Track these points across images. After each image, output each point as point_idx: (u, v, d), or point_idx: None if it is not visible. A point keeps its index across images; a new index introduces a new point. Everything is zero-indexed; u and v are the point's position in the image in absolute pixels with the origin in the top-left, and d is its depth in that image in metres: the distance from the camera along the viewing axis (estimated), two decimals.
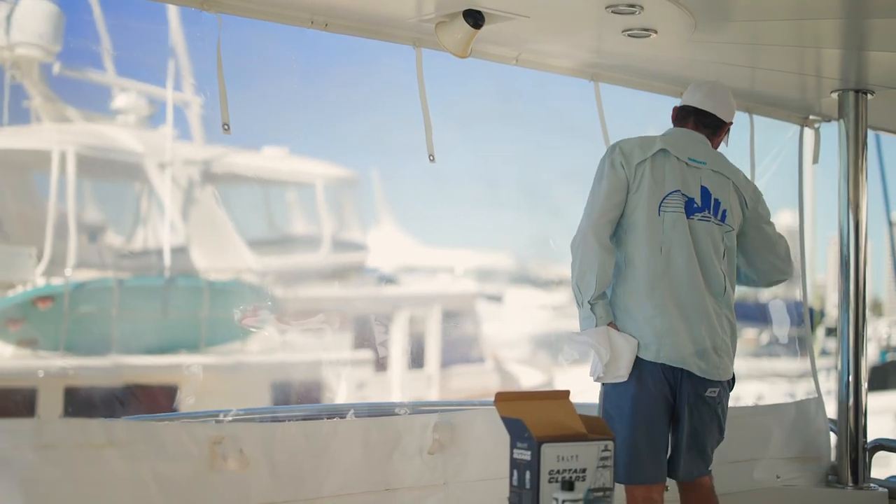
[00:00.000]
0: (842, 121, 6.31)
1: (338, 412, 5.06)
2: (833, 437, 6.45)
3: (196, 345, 18.34)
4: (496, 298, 28.05)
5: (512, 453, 3.85)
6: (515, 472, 3.83)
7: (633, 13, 4.80)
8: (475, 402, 5.86)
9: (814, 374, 6.79)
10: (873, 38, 5.27)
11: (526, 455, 3.79)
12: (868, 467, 6.32)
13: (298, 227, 23.10)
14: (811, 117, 6.84)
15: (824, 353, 26.90)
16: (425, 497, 5.02)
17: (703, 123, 5.22)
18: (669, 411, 4.96)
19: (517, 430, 3.83)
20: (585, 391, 5.33)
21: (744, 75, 6.05)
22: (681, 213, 4.96)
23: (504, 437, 3.92)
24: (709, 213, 5.02)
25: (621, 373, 4.87)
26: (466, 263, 27.87)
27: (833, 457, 6.44)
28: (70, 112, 19.42)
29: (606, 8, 4.74)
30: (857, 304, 6.27)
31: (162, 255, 19.08)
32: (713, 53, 5.60)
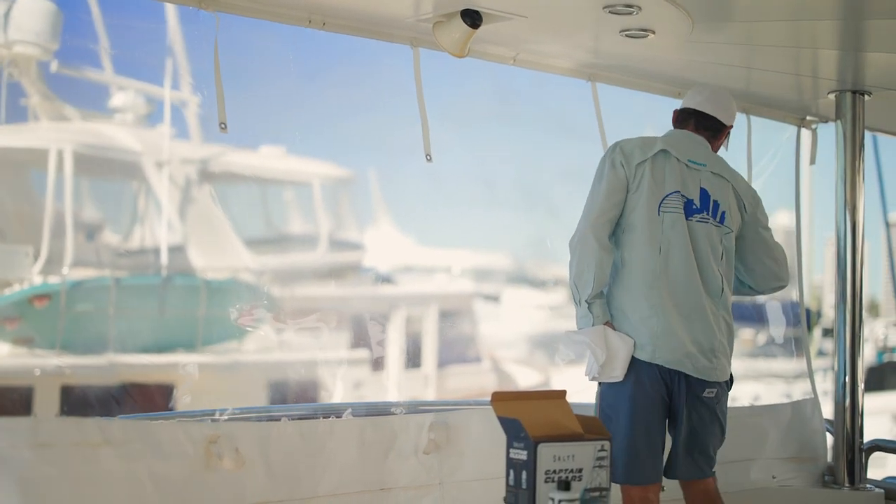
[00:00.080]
0: (839, 122, 6.31)
1: (334, 411, 5.06)
2: (829, 438, 6.45)
3: (193, 344, 18.34)
4: (493, 298, 28.07)
5: (508, 453, 3.85)
6: (512, 472, 3.83)
7: (630, 13, 4.80)
8: (470, 401, 5.86)
9: (810, 374, 6.79)
10: (870, 39, 5.27)
11: (522, 455, 3.79)
12: (864, 468, 6.32)
13: (295, 226, 23.10)
14: (808, 118, 6.85)
15: (821, 353, 26.93)
16: (421, 497, 5.02)
17: (704, 126, 5.23)
18: (666, 412, 4.96)
19: (514, 430, 3.83)
20: (582, 391, 5.33)
21: (741, 76, 6.06)
22: (680, 214, 4.97)
23: (500, 436, 3.92)
24: (707, 214, 5.03)
25: (616, 373, 4.87)
26: (464, 263, 27.90)
27: (829, 457, 6.45)
28: (68, 110, 19.41)
29: (604, 8, 4.74)
30: (853, 305, 6.28)
31: (159, 254, 19.08)
32: (711, 54, 5.60)
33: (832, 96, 6.26)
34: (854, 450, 6.26)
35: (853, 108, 6.24)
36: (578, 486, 3.77)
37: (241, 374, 18.42)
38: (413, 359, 22.00)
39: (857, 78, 6.00)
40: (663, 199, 4.96)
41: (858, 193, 6.33)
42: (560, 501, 3.63)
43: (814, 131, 6.89)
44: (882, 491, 6.22)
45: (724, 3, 4.90)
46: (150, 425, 4.36)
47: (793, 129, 6.88)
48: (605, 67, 6.00)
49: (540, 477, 3.75)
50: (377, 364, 20.80)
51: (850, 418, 6.26)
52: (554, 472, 3.77)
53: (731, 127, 5.35)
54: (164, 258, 18.95)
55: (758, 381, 24.19)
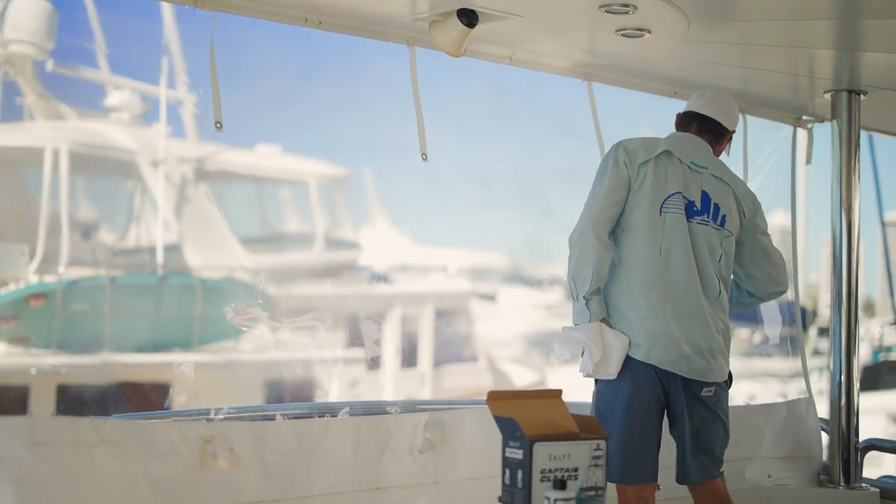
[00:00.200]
0: (835, 121, 6.31)
1: (330, 411, 5.07)
2: (825, 437, 6.45)
3: (189, 343, 18.33)
4: (489, 297, 28.06)
5: (504, 452, 3.85)
6: (507, 471, 3.83)
7: (626, 13, 4.80)
8: (465, 400, 5.86)
9: (805, 373, 6.80)
10: (866, 38, 5.28)
11: (518, 454, 3.79)
12: (860, 467, 6.32)
13: (291, 225, 23.10)
14: (804, 118, 6.85)
15: (817, 353, 26.95)
16: (415, 496, 5.03)
17: (706, 129, 5.25)
18: (662, 412, 4.97)
19: (509, 429, 3.83)
20: (578, 390, 5.33)
21: (737, 75, 6.06)
22: (681, 215, 4.98)
23: (495, 436, 3.92)
24: (708, 216, 5.04)
25: (611, 370, 4.88)
26: (460, 262, 27.89)
27: (825, 456, 6.45)
28: (63, 109, 19.39)
29: (600, 7, 4.74)
30: (849, 305, 6.28)
31: (155, 253, 19.07)
32: (707, 54, 5.60)
33: (828, 96, 6.26)
34: (850, 449, 6.26)
35: (849, 107, 6.24)
36: (574, 486, 3.77)
37: (237, 374, 18.42)
38: (409, 358, 21.99)
39: (853, 78, 6.01)
40: (665, 200, 4.97)
41: (854, 193, 6.33)
42: (556, 500, 3.63)
43: (810, 131, 6.90)
44: (877, 490, 6.22)
45: (721, 3, 4.90)
46: (145, 425, 4.36)
47: (789, 128, 6.88)
48: (601, 67, 6.00)
49: (536, 476, 3.75)
50: (373, 363, 20.80)
51: (845, 417, 6.27)
52: (550, 471, 3.77)
53: (734, 131, 5.38)
54: (159, 257, 18.94)
55: (753, 381, 24.21)
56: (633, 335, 4.89)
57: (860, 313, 6.43)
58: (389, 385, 21.40)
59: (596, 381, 5.02)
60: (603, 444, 3.89)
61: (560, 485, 3.68)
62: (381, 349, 21.29)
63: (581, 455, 3.84)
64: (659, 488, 4.97)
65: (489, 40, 5.43)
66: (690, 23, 4.92)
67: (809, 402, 6.56)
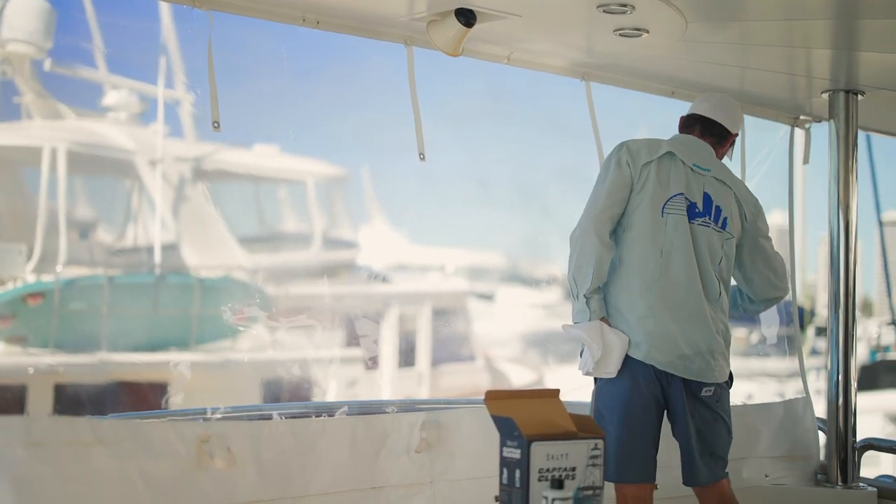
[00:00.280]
0: (832, 121, 6.31)
1: (327, 410, 5.07)
2: (822, 437, 6.45)
3: (186, 342, 18.33)
4: (487, 297, 28.07)
5: (502, 452, 3.85)
6: (505, 471, 3.83)
7: (624, 13, 4.80)
8: (462, 400, 5.86)
9: (802, 373, 6.80)
10: (863, 38, 5.28)
11: (516, 453, 3.79)
12: (857, 466, 6.33)
13: (289, 224, 23.11)
14: (802, 117, 6.85)
15: (814, 352, 26.96)
16: (412, 495, 5.03)
17: (710, 132, 5.26)
18: (661, 413, 4.98)
19: (507, 429, 3.83)
20: (576, 390, 5.34)
21: (734, 75, 6.06)
22: (683, 216, 4.98)
23: (491, 435, 3.92)
24: (709, 218, 5.05)
25: (611, 369, 4.88)
26: (457, 262, 27.90)
27: (822, 456, 6.45)
28: (61, 109, 19.40)
29: (598, 7, 4.75)
30: (846, 304, 6.28)
31: (152, 252, 19.07)
32: (704, 53, 5.60)
33: (825, 96, 6.26)
34: (847, 448, 6.27)
35: (846, 107, 6.24)
36: (572, 485, 3.77)
37: (235, 373, 18.41)
38: (407, 357, 21.99)
39: (851, 77, 6.01)
40: (667, 201, 4.98)
41: (852, 193, 6.33)
42: (553, 500, 3.63)
43: (807, 131, 6.90)
44: (875, 490, 6.22)
45: (718, 3, 4.90)
46: (141, 425, 4.35)
47: (786, 128, 6.88)
48: (598, 66, 6.00)
49: (533, 475, 3.75)
50: (371, 363, 20.79)
51: (843, 417, 6.27)
52: (547, 470, 3.77)
53: (737, 135, 5.39)
54: (157, 257, 18.95)
55: (751, 381, 24.22)
56: (632, 335, 4.89)
57: (858, 313, 6.43)
58: (387, 384, 21.40)
59: (595, 380, 5.03)
60: (600, 443, 3.89)
61: (558, 484, 3.68)
62: (378, 349, 21.29)
63: (579, 454, 3.84)
64: (657, 488, 4.97)
65: (487, 40, 5.43)
66: (688, 23, 4.93)
67: (807, 401, 6.56)
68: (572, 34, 5.45)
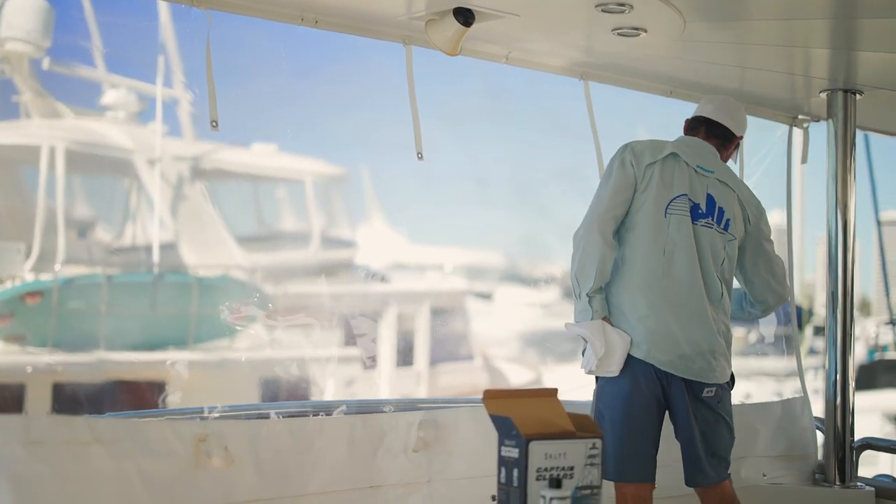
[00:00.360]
0: (830, 121, 6.31)
1: (325, 409, 5.07)
2: (820, 436, 6.45)
3: (184, 341, 18.32)
4: (486, 296, 28.06)
5: (500, 451, 3.85)
6: (503, 470, 3.83)
7: (622, 12, 4.80)
8: (460, 399, 5.86)
9: (800, 372, 6.80)
10: (862, 38, 5.28)
11: (514, 452, 3.79)
12: (855, 466, 6.33)
13: (288, 223, 23.10)
14: (800, 117, 6.85)
15: (812, 352, 26.96)
16: (409, 494, 5.03)
17: (714, 134, 5.29)
18: (662, 413, 4.99)
19: (505, 428, 3.83)
20: (574, 389, 5.34)
21: (733, 75, 6.06)
22: (686, 217, 5.00)
23: (488, 435, 3.92)
24: (712, 220, 5.07)
25: (613, 367, 4.90)
26: (456, 261, 27.88)
27: (820, 455, 6.45)
28: (60, 108, 19.39)
29: (596, 7, 4.74)
30: (844, 304, 6.28)
31: (151, 252, 19.06)
32: (703, 53, 5.61)
33: (824, 95, 6.26)
34: (845, 448, 6.27)
35: (845, 107, 6.24)
36: (570, 484, 3.77)
37: (233, 372, 18.41)
38: (405, 356, 21.99)
39: (849, 77, 6.01)
40: (671, 202, 5.00)
41: (850, 192, 6.33)
42: (551, 499, 3.63)
43: (805, 130, 6.90)
44: (872, 489, 6.23)
45: (717, 3, 4.90)
46: (139, 424, 4.35)
47: (784, 127, 6.88)
48: (597, 66, 6.00)
49: (531, 475, 3.75)
50: (369, 362, 20.79)
51: (840, 416, 6.27)
52: (545, 469, 3.77)
53: (741, 137, 5.42)
54: (155, 256, 18.94)
55: (749, 380, 24.22)
56: (633, 334, 4.91)
57: (856, 312, 6.43)
58: (385, 384, 21.39)
59: (597, 379, 5.04)
60: (598, 442, 3.90)
61: (556, 483, 3.69)
62: (377, 348, 21.28)
63: (577, 454, 3.84)
64: (654, 487, 4.98)
65: (485, 39, 5.43)
66: (686, 22, 4.93)
67: (804, 401, 6.57)
68: (571, 33, 5.45)
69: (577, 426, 3.96)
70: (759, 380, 24.37)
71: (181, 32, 19.86)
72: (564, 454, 3.81)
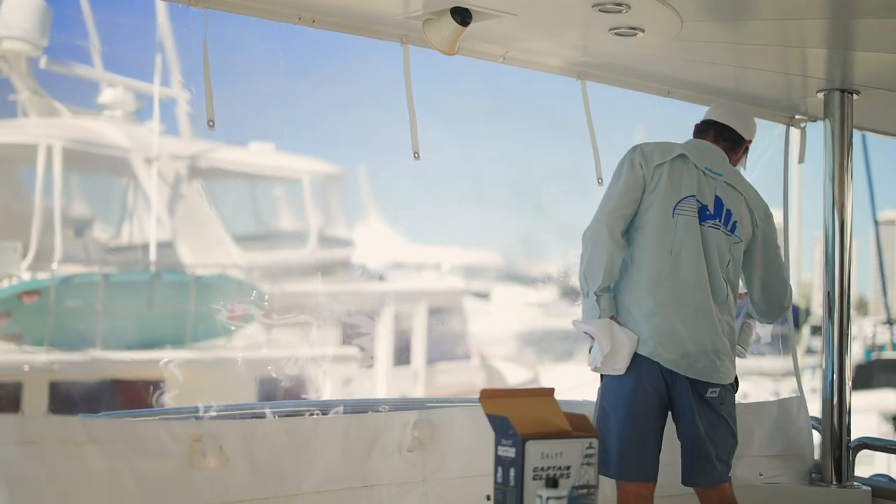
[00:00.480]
0: (827, 120, 6.31)
1: (320, 408, 5.07)
2: (816, 436, 6.45)
3: (182, 340, 18.33)
4: (483, 295, 28.08)
5: (497, 450, 3.85)
6: (500, 469, 3.83)
7: (619, 12, 4.80)
8: (456, 399, 5.86)
9: (796, 372, 6.80)
10: (859, 38, 5.28)
11: (510, 452, 3.79)
12: (852, 465, 6.33)
13: (285, 222, 23.13)
14: (797, 117, 6.85)
15: (810, 351, 27.00)
16: (404, 494, 5.03)
17: (723, 137, 5.34)
18: (665, 412, 5.01)
19: (502, 427, 3.83)
20: (571, 389, 5.35)
21: (730, 75, 6.06)
22: (694, 218, 5.03)
23: (483, 434, 3.92)
24: (719, 221, 5.10)
25: (619, 366, 4.92)
26: (453, 260, 27.91)
27: (817, 455, 6.45)
28: (57, 106, 19.40)
29: (593, 6, 4.74)
30: (841, 303, 6.28)
31: (148, 250, 19.07)
32: (700, 53, 5.61)
33: (821, 95, 6.26)
34: (842, 447, 6.27)
35: (842, 106, 6.24)
36: (566, 484, 3.77)
37: (230, 371, 18.40)
38: (402, 356, 22.00)
39: (846, 77, 6.01)
40: (679, 202, 5.03)
41: (847, 192, 6.33)
42: (548, 499, 3.63)
43: (802, 130, 6.90)
44: (869, 489, 6.23)
45: (714, 3, 4.90)
46: (133, 424, 4.35)
47: (781, 127, 6.88)
48: (594, 65, 6.00)
49: (528, 474, 3.75)
50: (366, 361, 20.80)
51: (837, 416, 6.27)
52: (542, 469, 3.77)
53: (750, 141, 5.46)
54: (152, 254, 18.95)
55: (745, 380, 24.21)
56: (639, 332, 4.94)
57: (853, 312, 6.44)
58: (382, 383, 21.40)
59: (601, 377, 5.06)
60: (595, 442, 3.90)
61: (552, 483, 3.69)
62: (374, 347, 21.29)
63: (573, 453, 3.84)
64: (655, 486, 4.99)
65: (483, 38, 5.43)
66: (683, 22, 4.93)
67: (801, 400, 6.57)
68: (568, 33, 5.45)
69: (574, 426, 3.96)
70: (755, 379, 24.37)
71: (178, 31, 19.89)
72: (561, 454, 3.81)
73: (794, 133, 6.89)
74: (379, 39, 5.33)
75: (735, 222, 5.13)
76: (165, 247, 19.36)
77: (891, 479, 6.49)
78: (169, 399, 15.78)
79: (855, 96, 6.21)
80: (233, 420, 4.70)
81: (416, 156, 5.47)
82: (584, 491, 3.84)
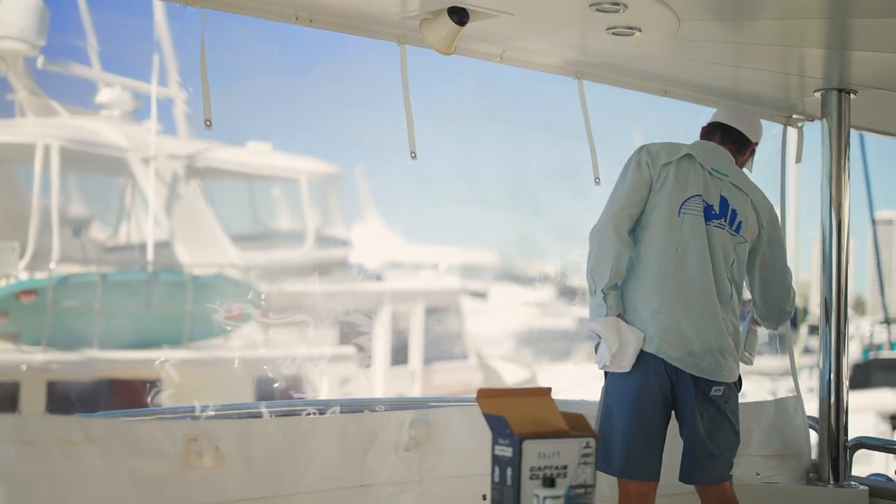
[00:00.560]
0: (825, 120, 6.31)
1: (316, 407, 5.07)
2: (814, 435, 6.45)
3: (179, 340, 18.33)
4: (480, 295, 28.09)
5: (494, 450, 3.85)
6: (497, 469, 3.83)
7: (617, 11, 4.80)
8: (452, 398, 5.86)
9: (793, 372, 6.80)
10: (856, 37, 5.28)
11: (507, 451, 3.79)
12: (849, 465, 6.33)
13: (282, 222, 23.12)
14: (794, 116, 6.85)
15: (807, 351, 27.02)
16: (400, 493, 5.03)
17: (729, 139, 5.37)
18: (669, 410, 5.02)
19: (499, 427, 3.83)
20: (568, 388, 5.35)
21: (727, 74, 6.06)
22: (700, 217, 5.06)
23: (479, 434, 3.93)
24: (724, 221, 5.13)
25: (626, 363, 4.94)
26: (450, 260, 27.92)
27: (814, 454, 6.45)
28: (54, 106, 19.40)
29: (591, 6, 4.74)
30: (838, 303, 6.28)
31: (145, 250, 19.06)
32: (697, 52, 5.61)
33: (818, 95, 6.26)
34: (839, 447, 6.27)
35: (839, 106, 6.24)
36: (563, 483, 3.77)
37: (227, 371, 18.40)
38: (399, 355, 22.00)
39: (843, 76, 6.01)
40: (685, 202, 5.06)
41: (844, 192, 6.34)
42: (545, 498, 3.63)
43: (800, 129, 6.90)
44: (866, 488, 6.23)
45: (711, 2, 4.90)
46: (129, 424, 4.35)
47: (779, 127, 6.88)
48: (591, 65, 6.00)
49: (525, 473, 3.75)
50: (363, 360, 20.79)
51: (834, 415, 6.27)
52: (539, 468, 3.77)
53: (757, 143, 5.50)
54: (150, 254, 18.94)
55: (743, 379, 24.23)
56: (645, 330, 4.96)
57: (850, 312, 6.44)
58: (380, 382, 21.40)
59: (605, 375, 5.08)
60: (592, 441, 3.90)
61: (549, 482, 3.69)
62: (371, 346, 21.29)
63: (570, 453, 3.84)
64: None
65: (480, 38, 5.43)
66: (681, 21, 4.93)
67: (798, 400, 6.57)
68: (565, 32, 5.45)
69: (571, 425, 3.96)
70: (753, 379, 24.38)
71: (176, 31, 19.90)
72: (558, 453, 3.81)
73: (792, 132, 6.90)
74: (376, 39, 5.33)
75: (740, 222, 5.16)
76: (163, 246, 19.36)
77: (888, 478, 6.50)
78: (166, 399, 15.79)
79: (852, 96, 6.21)
80: (229, 420, 4.70)
81: (413, 155, 5.48)
82: (582, 490, 3.84)
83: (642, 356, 4.94)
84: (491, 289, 28.91)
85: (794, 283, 5.67)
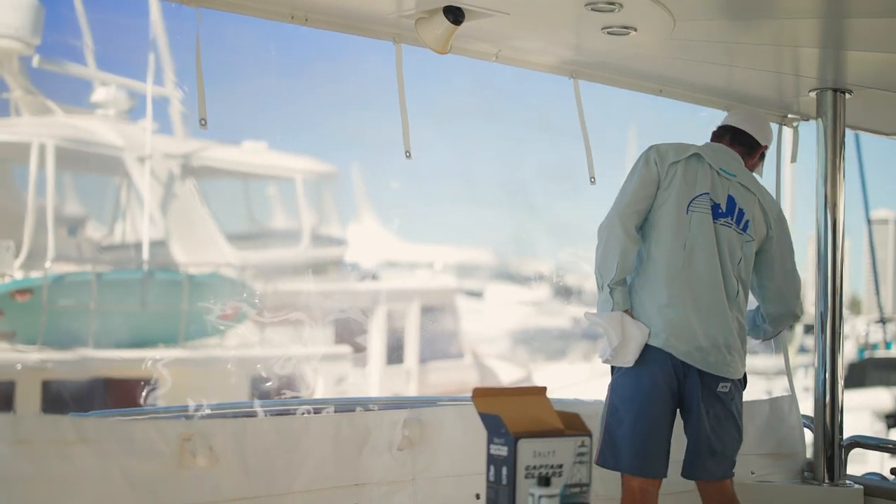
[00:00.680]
0: (820, 120, 6.31)
1: (311, 406, 5.07)
2: (809, 434, 6.46)
3: (174, 339, 18.31)
4: (476, 294, 28.09)
5: (489, 449, 3.85)
6: (492, 468, 3.83)
7: (612, 11, 4.80)
8: (445, 397, 5.86)
9: (788, 371, 6.81)
10: (851, 37, 5.28)
11: (503, 450, 3.79)
12: (844, 464, 6.33)
13: (278, 221, 23.12)
14: (789, 116, 6.85)
15: (803, 350, 27.02)
16: (394, 492, 5.03)
17: (739, 141, 5.45)
18: (676, 408, 5.03)
19: (494, 426, 3.83)
20: (563, 387, 5.34)
21: (722, 74, 6.06)
22: (707, 215, 5.10)
23: (473, 433, 3.93)
24: (731, 219, 5.17)
25: (629, 358, 4.96)
26: (446, 259, 27.92)
27: (809, 453, 6.46)
28: (50, 105, 19.38)
29: (586, 5, 4.74)
30: (833, 302, 6.29)
31: (141, 249, 19.05)
32: (692, 52, 5.61)
33: (813, 94, 6.26)
34: (834, 446, 6.27)
35: (834, 106, 6.24)
36: (558, 482, 3.77)
37: (223, 370, 18.40)
38: (395, 354, 22.00)
39: (838, 76, 6.01)
40: (693, 200, 5.10)
41: (839, 191, 6.34)
42: (540, 497, 3.63)
43: (795, 129, 6.90)
44: (861, 487, 6.23)
45: (706, 1, 4.90)
46: (123, 423, 4.35)
47: (774, 126, 6.88)
48: (587, 64, 6.00)
49: (520, 472, 3.75)
50: (359, 360, 20.80)
51: (830, 414, 6.27)
52: (534, 467, 3.77)
53: (766, 147, 5.57)
54: (145, 253, 18.93)
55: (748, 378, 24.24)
56: (652, 325, 4.98)
57: (846, 311, 6.44)
58: (375, 381, 21.40)
59: (612, 372, 5.10)
60: (587, 440, 3.90)
61: (544, 481, 3.69)
62: (367, 346, 21.29)
63: (566, 452, 3.84)
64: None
65: (475, 37, 5.42)
66: (676, 21, 4.93)
67: (792, 399, 6.57)
68: (560, 32, 5.45)
69: (567, 424, 3.96)
70: (749, 378, 24.40)
71: (172, 30, 19.88)
72: (553, 452, 3.82)
73: (787, 132, 6.90)
74: (372, 38, 5.32)
75: (747, 221, 5.20)
76: (158, 245, 19.36)
77: (883, 477, 6.50)
78: (161, 398, 15.78)
79: (847, 95, 6.21)
80: (223, 419, 4.70)
81: (408, 154, 5.48)
82: (577, 489, 3.84)
83: (649, 352, 4.96)
84: (486, 288, 28.92)
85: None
